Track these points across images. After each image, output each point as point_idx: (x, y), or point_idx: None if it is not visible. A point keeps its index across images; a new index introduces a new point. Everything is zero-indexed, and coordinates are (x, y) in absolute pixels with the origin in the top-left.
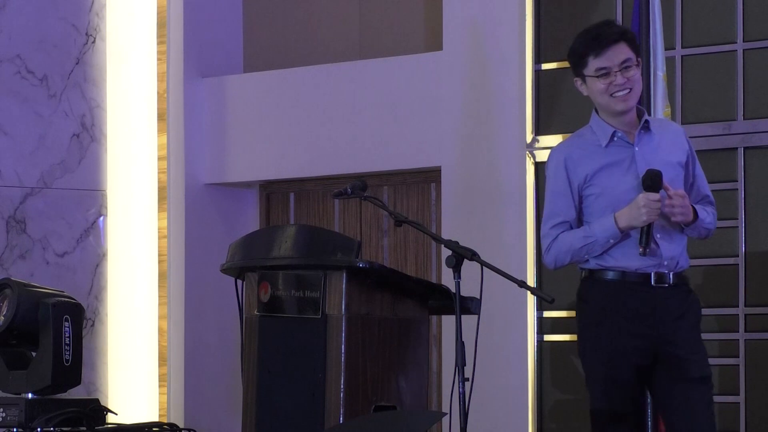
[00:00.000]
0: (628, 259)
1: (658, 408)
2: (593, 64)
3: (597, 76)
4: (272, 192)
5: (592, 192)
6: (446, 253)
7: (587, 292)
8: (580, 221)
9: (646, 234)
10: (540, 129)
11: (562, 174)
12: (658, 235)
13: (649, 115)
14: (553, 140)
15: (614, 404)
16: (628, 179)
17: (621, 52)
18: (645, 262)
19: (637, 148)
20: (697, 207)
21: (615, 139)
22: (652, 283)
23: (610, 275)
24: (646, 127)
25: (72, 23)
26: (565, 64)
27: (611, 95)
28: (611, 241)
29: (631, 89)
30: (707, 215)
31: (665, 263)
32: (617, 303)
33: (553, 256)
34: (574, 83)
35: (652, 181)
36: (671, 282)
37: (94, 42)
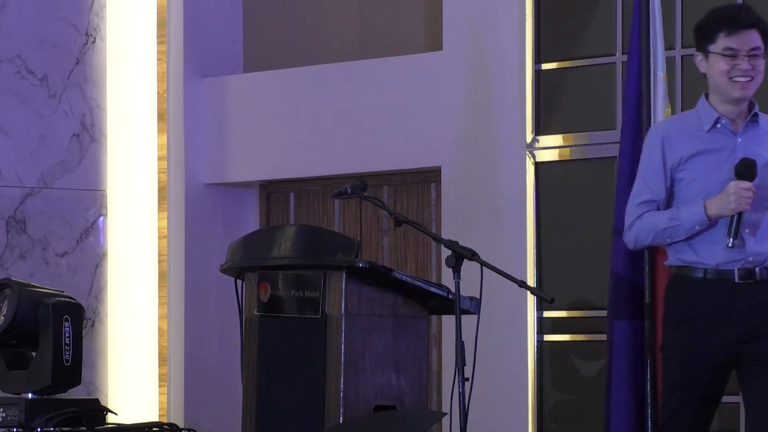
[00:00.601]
0: (710, 254)
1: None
2: (723, 42)
3: (723, 55)
4: (272, 192)
5: (685, 176)
6: (446, 253)
7: (669, 290)
8: (668, 205)
9: (736, 224)
10: (540, 129)
11: (658, 152)
12: (746, 230)
13: (649, 115)
14: (553, 140)
15: (685, 405)
16: (725, 169)
17: (753, 38)
18: (728, 257)
19: (739, 139)
20: None
21: (718, 125)
22: (736, 279)
23: (693, 273)
24: (754, 119)
25: (72, 23)
26: (566, 63)
27: (731, 78)
28: (697, 227)
29: (752, 78)
30: None
31: (750, 259)
32: (697, 302)
33: (634, 235)
34: (694, 57)
35: (745, 169)
36: (759, 278)
37: (94, 42)
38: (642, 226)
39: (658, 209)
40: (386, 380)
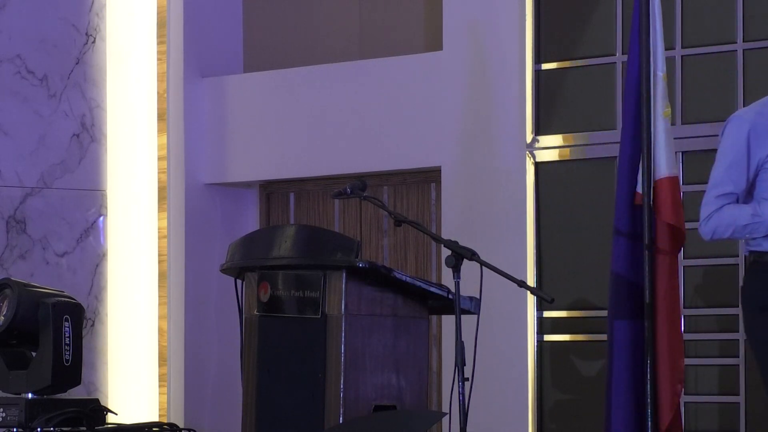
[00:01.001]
0: None
1: None
2: None
3: None
4: (272, 192)
5: None
6: (446, 253)
7: (754, 278)
8: (747, 194)
9: None
10: (540, 129)
11: (743, 144)
12: None
13: (648, 115)
14: (553, 140)
15: None
16: None
17: None
18: None
19: None
20: None
21: None
22: None
23: None
24: None
25: (72, 23)
26: (565, 63)
27: None
28: None
29: None
30: None
31: None
32: None
33: (712, 228)
34: None
35: None
36: None
37: (94, 42)
38: (721, 220)
39: (738, 201)
40: (386, 380)
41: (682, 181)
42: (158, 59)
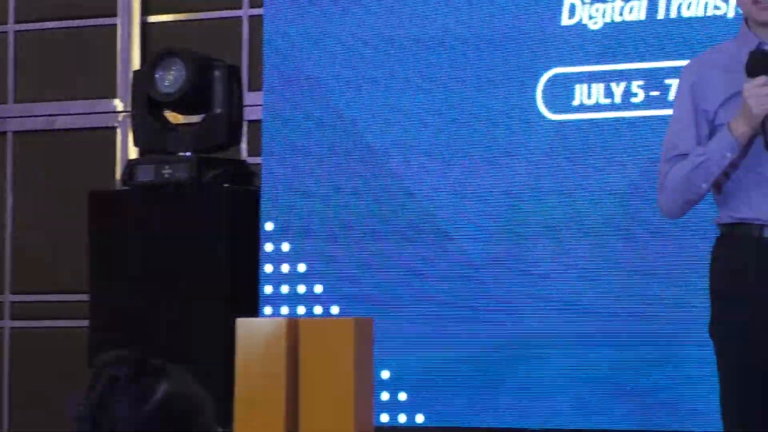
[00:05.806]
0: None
1: None
2: None
3: None
4: None
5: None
6: None
7: (716, 256)
8: None
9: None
10: None
11: (687, 99)
12: None
13: None
14: None
15: (745, 391)
16: None
17: None
18: None
19: None
20: None
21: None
22: None
23: (744, 230)
24: None
25: None
26: None
27: (754, 1)
28: (728, 154)
29: None
30: None
31: None
32: (749, 267)
33: (665, 197)
34: None
35: (755, 65)
36: None
37: None
38: (671, 182)
39: None
40: None
41: None
42: None
